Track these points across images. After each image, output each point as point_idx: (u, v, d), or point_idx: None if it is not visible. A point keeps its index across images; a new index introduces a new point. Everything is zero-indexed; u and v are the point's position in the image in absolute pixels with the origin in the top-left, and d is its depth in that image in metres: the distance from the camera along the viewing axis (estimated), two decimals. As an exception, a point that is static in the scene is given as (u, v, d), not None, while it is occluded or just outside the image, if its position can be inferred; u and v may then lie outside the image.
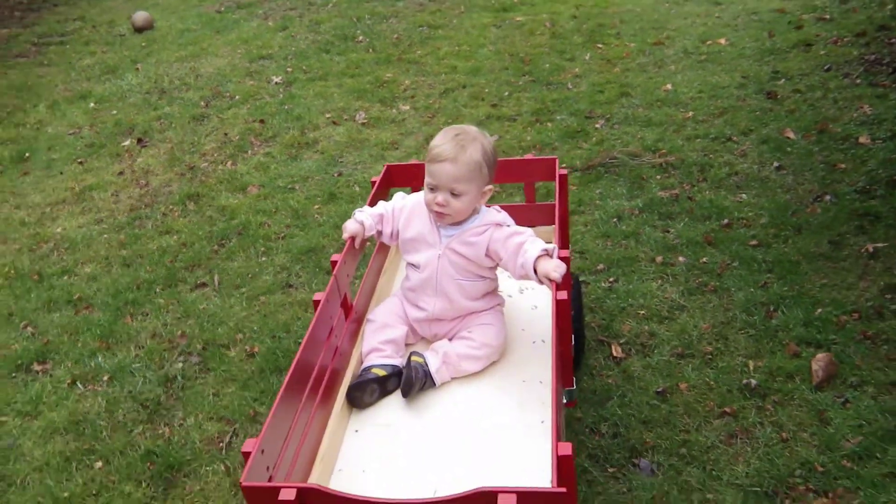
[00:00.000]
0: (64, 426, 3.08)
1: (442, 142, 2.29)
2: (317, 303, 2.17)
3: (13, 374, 3.42)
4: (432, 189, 2.31)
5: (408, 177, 2.96)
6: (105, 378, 3.30)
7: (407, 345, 2.47)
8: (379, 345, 2.38)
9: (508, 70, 5.87)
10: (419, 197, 2.44)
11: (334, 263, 2.35)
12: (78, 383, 3.30)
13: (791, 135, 4.37)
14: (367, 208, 2.54)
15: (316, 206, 4.39)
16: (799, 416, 2.69)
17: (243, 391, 3.13)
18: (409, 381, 2.23)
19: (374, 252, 2.74)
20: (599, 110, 5.02)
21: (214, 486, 2.73)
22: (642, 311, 3.26)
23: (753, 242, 3.56)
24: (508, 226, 2.35)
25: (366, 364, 2.35)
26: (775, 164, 4.14)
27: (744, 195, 3.92)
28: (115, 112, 6.10)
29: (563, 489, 1.53)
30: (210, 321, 3.57)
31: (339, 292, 2.32)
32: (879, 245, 3.38)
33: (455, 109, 5.33)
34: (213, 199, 4.61)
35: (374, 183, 2.81)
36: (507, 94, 5.48)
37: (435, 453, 2.09)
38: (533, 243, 2.22)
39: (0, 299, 3.94)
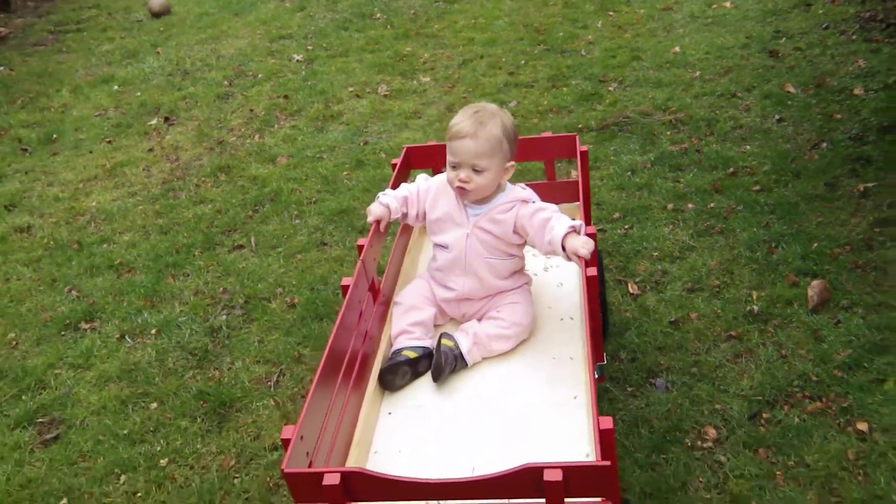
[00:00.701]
0: (117, 375, 3.43)
1: (461, 119, 2.36)
2: (345, 288, 2.21)
3: (62, 333, 3.76)
4: (454, 167, 2.38)
5: (427, 158, 3.01)
6: (153, 332, 3.66)
7: (435, 326, 2.53)
8: (408, 327, 2.44)
9: (524, 40, 6.21)
10: (444, 177, 2.50)
11: (360, 248, 2.39)
12: (126, 337, 3.66)
13: (791, 89, 4.70)
14: (390, 191, 2.61)
15: (345, 173, 4.74)
16: (797, 336, 3.03)
17: (287, 337, 3.48)
18: (439, 366, 2.29)
19: (397, 234, 2.82)
20: (612, 74, 5.34)
21: (266, 418, 3.09)
22: (656, 253, 3.60)
23: (756, 188, 3.89)
24: (534, 202, 2.41)
25: (396, 347, 2.41)
26: (776, 116, 4.47)
27: (748, 146, 4.25)
28: (139, 94, 6.47)
29: (608, 462, 1.57)
30: (250, 278, 3.93)
31: (366, 276, 2.37)
32: (870, 185, 3.72)
33: (474, 79, 5.67)
34: (244, 170, 4.97)
35: (394, 166, 2.89)
36: (523, 62, 5.82)
37: (468, 433, 2.14)
38: (559, 220, 2.28)
39: (42, 268, 4.29)
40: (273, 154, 5.11)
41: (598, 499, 1.61)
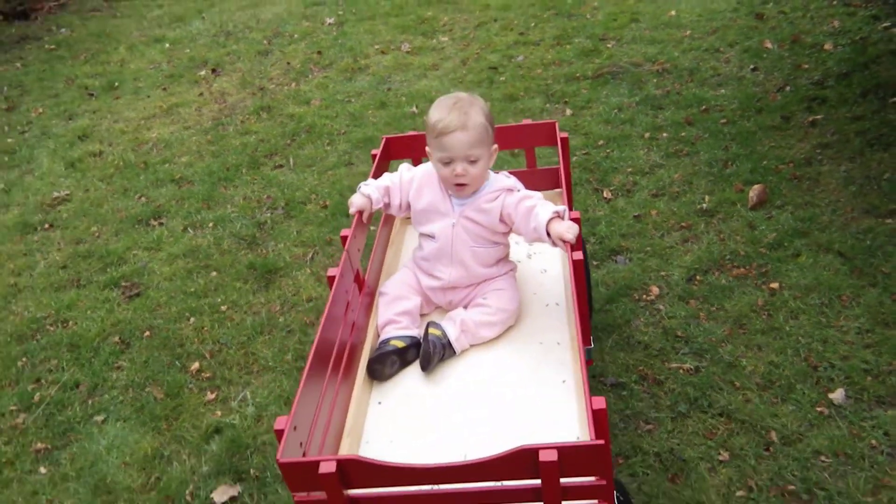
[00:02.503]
0: (182, 254, 4.36)
1: (444, 114, 2.39)
2: (331, 279, 2.27)
3: (136, 226, 4.72)
4: (447, 163, 2.42)
5: (406, 148, 3.12)
6: (210, 225, 4.59)
7: (422, 315, 2.61)
8: (394, 317, 2.51)
9: (535, 6, 7.09)
10: (427, 167, 2.59)
11: (344, 239, 2.47)
12: (189, 229, 4.60)
13: (769, 45, 5.53)
14: (371, 181, 2.66)
15: (370, 111, 5.66)
16: (735, 226, 3.87)
17: (320, 228, 4.39)
18: (427, 355, 2.35)
19: (379, 225, 2.92)
20: (612, 34, 6.21)
21: (303, 281, 3.99)
22: (630, 169, 4.45)
23: (723, 121, 4.73)
24: (519, 190, 2.50)
25: (383, 336, 2.47)
26: (751, 66, 5.30)
27: (722, 90, 5.09)
28: (188, 51, 7.45)
29: (602, 441, 1.62)
30: (289, 188, 4.84)
31: (352, 267, 2.45)
32: (819, 117, 4.54)
33: (487, 38, 6.57)
34: (283, 109, 5.91)
35: (374, 156, 2.99)
36: (533, 24, 6.70)
37: (459, 420, 2.20)
38: (544, 206, 2.35)
39: (115, 181, 5.27)
40: (308, 97, 6.04)
41: (592, 478, 1.70)
